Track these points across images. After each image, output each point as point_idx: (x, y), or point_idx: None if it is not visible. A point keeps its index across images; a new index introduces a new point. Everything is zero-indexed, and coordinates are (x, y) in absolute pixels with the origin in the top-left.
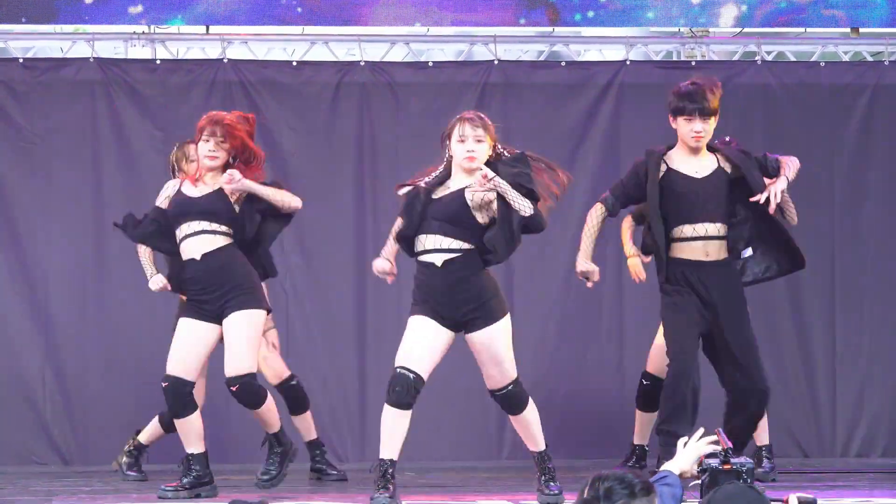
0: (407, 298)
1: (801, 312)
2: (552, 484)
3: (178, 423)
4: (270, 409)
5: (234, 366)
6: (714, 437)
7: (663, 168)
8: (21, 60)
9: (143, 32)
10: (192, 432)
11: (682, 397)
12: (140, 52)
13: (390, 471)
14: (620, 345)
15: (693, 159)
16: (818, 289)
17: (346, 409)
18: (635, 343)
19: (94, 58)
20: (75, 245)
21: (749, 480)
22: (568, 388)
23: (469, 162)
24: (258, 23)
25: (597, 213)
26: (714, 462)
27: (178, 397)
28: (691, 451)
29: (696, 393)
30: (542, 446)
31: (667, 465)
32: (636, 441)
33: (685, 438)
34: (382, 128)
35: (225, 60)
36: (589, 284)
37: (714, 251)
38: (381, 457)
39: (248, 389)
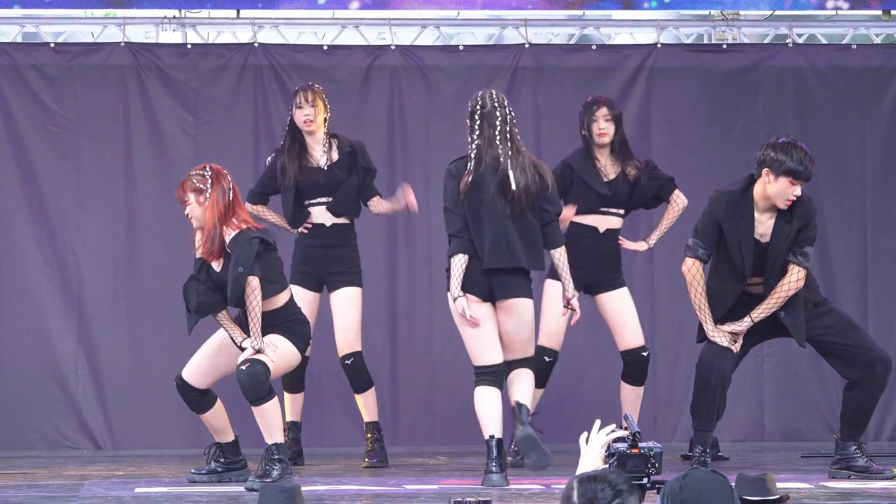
0: (437, 280)
1: (833, 297)
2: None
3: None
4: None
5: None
6: (612, 427)
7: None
8: (52, 45)
9: (174, 17)
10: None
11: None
12: (171, 36)
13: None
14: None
15: (764, 217)
16: (851, 274)
17: (379, 394)
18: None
19: (124, 42)
20: (107, 229)
21: (658, 465)
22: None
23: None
24: (289, 6)
25: (696, 269)
26: (622, 446)
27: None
28: (595, 446)
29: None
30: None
31: (580, 467)
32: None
33: (584, 434)
34: (413, 112)
35: (256, 45)
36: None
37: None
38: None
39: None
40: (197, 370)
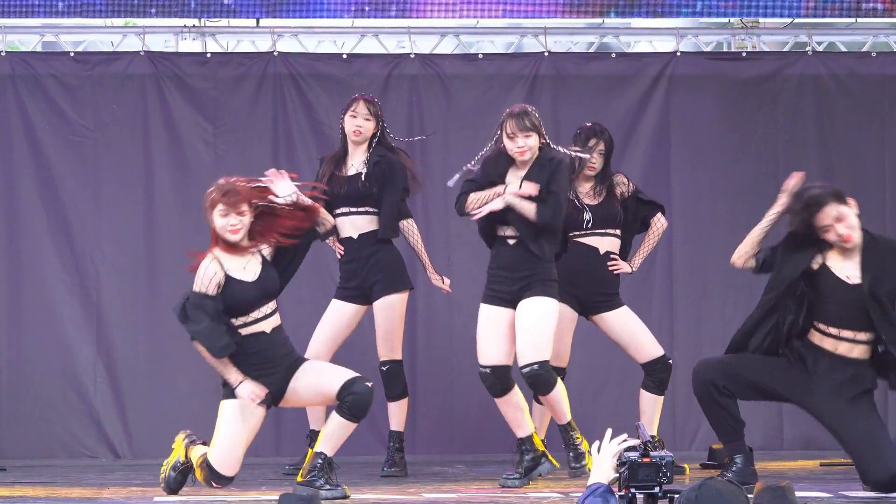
0: (456, 288)
1: None
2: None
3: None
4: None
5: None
6: (624, 436)
7: (818, 261)
8: (72, 54)
9: (194, 26)
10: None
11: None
12: (190, 45)
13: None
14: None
15: (847, 261)
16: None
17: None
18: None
19: (144, 51)
20: (126, 238)
21: (669, 474)
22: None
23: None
24: (309, 15)
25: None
26: (634, 455)
27: None
28: (606, 456)
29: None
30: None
31: (592, 477)
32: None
33: (597, 443)
34: (432, 120)
35: (275, 53)
36: None
37: (846, 350)
38: (519, 436)
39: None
40: (231, 461)
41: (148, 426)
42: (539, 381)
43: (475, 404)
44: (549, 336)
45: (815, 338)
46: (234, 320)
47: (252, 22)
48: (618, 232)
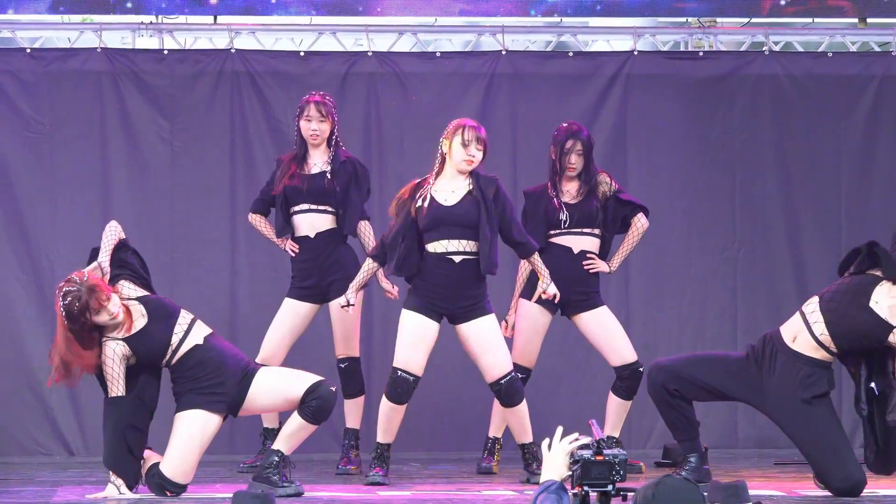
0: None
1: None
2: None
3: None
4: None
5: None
6: (576, 435)
7: None
8: (29, 50)
9: (151, 23)
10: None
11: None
12: (147, 42)
13: (387, 453)
14: None
15: None
16: (825, 279)
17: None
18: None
19: (101, 48)
20: (82, 236)
21: (622, 472)
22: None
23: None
24: (265, 13)
25: None
26: (587, 453)
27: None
28: (558, 453)
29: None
30: (530, 438)
31: (544, 474)
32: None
33: (546, 440)
34: (390, 118)
35: (232, 50)
36: None
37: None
38: (379, 441)
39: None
40: (186, 471)
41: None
42: (514, 387)
43: (428, 403)
44: (507, 349)
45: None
46: (165, 356)
47: (209, 19)
48: (597, 231)
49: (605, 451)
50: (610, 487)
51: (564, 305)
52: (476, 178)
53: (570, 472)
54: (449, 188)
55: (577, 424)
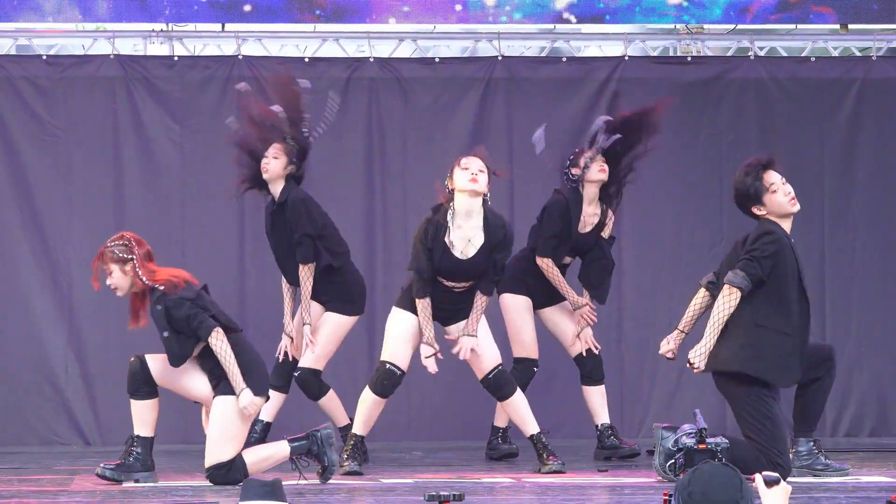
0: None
1: None
2: (553, 456)
3: None
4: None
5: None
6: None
7: None
8: (44, 57)
9: (162, 30)
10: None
11: None
12: (158, 49)
13: (362, 445)
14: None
15: None
16: (809, 275)
17: (356, 392)
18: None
19: (114, 55)
20: (96, 234)
21: (724, 459)
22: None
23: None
24: (272, 20)
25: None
26: (690, 441)
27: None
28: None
29: None
30: (536, 429)
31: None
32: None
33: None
34: (391, 121)
35: (240, 57)
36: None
37: None
38: (356, 432)
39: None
40: (161, 371)
41: (118, 415)
42: (502, 379)
43: (432, 392)
44: (494, 345)
45: None
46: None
47: (218, 27)
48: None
49: (708, 440)
50: None
51: (538, 304)
52: (486, 223)
53: (674, 460)
54: (465, 237)
55: (572, 414)
